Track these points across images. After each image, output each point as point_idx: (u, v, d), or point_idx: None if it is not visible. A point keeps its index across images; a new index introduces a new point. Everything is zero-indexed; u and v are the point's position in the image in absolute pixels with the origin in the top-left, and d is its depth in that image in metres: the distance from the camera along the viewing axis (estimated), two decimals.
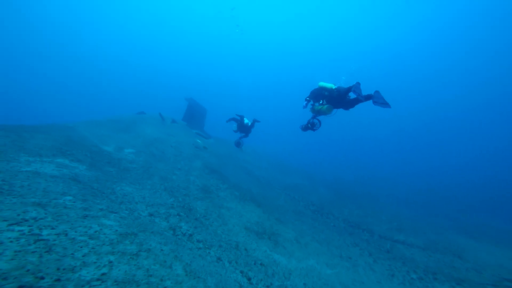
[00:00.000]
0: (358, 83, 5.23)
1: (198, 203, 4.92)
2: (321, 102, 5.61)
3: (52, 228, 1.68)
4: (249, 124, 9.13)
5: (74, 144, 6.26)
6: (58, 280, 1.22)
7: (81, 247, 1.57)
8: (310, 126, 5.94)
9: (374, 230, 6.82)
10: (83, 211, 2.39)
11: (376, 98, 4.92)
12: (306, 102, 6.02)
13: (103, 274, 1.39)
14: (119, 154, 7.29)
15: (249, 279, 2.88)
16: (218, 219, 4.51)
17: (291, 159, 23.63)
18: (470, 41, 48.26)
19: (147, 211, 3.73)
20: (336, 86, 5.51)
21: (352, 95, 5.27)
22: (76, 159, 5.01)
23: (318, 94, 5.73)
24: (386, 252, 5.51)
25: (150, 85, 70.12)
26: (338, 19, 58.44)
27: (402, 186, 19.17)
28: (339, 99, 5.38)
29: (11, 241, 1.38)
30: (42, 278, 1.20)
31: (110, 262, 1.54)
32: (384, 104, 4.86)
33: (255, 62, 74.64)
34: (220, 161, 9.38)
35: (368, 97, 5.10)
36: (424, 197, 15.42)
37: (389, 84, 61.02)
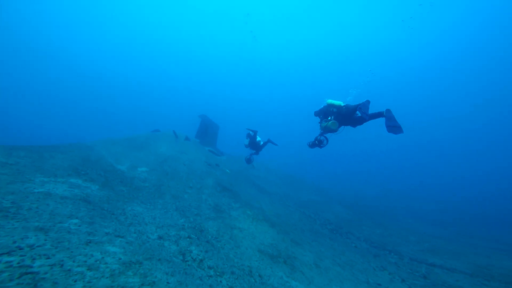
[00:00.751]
0: (368, 101, 5.15)
1: (209, 223, 4.70)
2: (329, 119, 5.59)
3: (48, 258, 1.54)
4: (261, 143, 9.05)
5: (90, 163, 6.37)
6: None
7: (75, 281, 1.40)
8: (317, 143, 5.91)
9: (403, 252, 6.12)
10: (87, 236, 2.26)
11: (388, 120, 4.77)
12: (320, 117, 6.01)
13: None
14: (132, 172, 7.33)
15: None
16: (230, 241, 4.24)
17: (303, 173, 22.96)
18: (493, 50, 46.40)
19: (157, 233, 3.56)
20: (344, 104, 5.52)
21: (359, 113, 5.22)
22: (89, 179, 5.03)
23: (327, 111, 5.73)
24: (423, 278, 4.84)
25: (166, 103, 72.67)
26: (354, 29, 58.25)
27: (424, 203, 17.67)
28: (347, 116, 5.38)
29: None
30: None
31: None
32: (397, 128, 4.67)
33: (265, 75, 75.15)
34: (232, 178, 9.20)
35: (377, 115, 5.00)
36: (451, 215, 13.94)
37: (403, 94, 59.52)
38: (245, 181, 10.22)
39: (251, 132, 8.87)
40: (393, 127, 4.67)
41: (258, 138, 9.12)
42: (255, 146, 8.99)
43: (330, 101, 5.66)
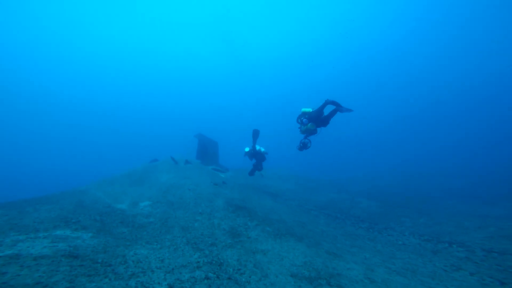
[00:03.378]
0: (328, 100, 6.27)
1: (227, 252, 3.91)
2: (304, 122, 6.82)
3: None
4: (262, 149, 9.30)
5: (83, 209, 5.67)
6: None
7: None
8: (303, 146, 7.02)
9: (467, 242, 5.08)
10: None
11: (341, 110, 6.02)
12: (299, 124, 7.12)
13: None
14: (134, 210, 6.60)
15: None
16: (255, 271, 3.43)
17: (313, 173, 21.93)
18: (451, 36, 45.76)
19: (166, 282, 2.79)
20: (312, 109, 6.75)
21: (325, 113, 6.52)
22: (81, 227, 4.32)
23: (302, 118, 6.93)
24: None
25: (159, 128, 69.82)
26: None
27: (451, 179, 15.86)
28: (316, 118, 6.57)
29: None
30: None
31: None
32: (346, 109, 5.93)
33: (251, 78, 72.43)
34: (242, 194, 8.43)
35: (333, 113, 6.25)
36: (493, 188, 11.92)
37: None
38: (257, 193, 9.43)
39: (251, 144, 8.87)
40: (346, 110, 5.89)
41: (258, 147, 9.02)
42: (255, 155, 8.96)
43: (303, 109, 6.88)
